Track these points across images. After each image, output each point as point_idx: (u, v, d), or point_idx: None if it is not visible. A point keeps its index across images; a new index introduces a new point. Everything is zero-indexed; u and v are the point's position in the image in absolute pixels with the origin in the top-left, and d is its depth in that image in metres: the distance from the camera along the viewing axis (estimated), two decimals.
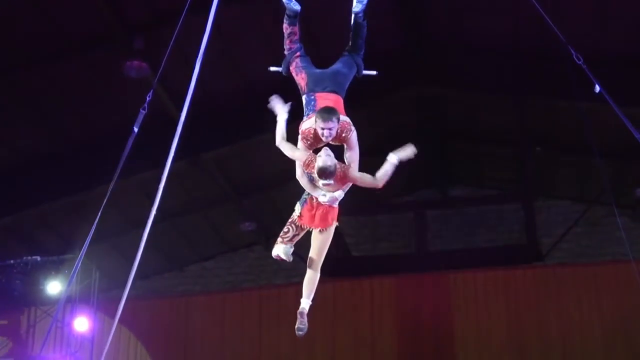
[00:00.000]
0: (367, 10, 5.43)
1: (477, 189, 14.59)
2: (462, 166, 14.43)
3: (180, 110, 5.15)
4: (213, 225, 14.20)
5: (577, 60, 5.52)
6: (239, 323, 12.87)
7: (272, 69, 5.66)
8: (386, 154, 5.20)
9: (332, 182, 5.06)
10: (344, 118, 5.16)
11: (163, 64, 5.61)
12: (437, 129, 13.14)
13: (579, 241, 13.90)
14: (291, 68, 5.48)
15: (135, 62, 9.67)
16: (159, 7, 9.57)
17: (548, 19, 5.57)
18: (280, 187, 12.82)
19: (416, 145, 5.20)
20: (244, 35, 10.19)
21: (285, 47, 5.51)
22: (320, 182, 5.08)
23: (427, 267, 13.04)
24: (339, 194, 5.19)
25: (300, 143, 5.23)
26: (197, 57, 5.14)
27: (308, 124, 5.18)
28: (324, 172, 5.01)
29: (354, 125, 5.20)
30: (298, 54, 5.46)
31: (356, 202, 13.93)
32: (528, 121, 12.19)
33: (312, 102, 5.24)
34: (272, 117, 5.49)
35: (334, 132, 5.05)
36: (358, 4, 5.41)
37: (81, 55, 10.01)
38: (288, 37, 5.49)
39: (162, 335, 12.94)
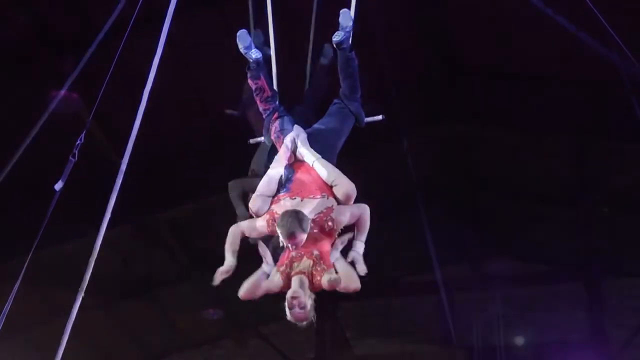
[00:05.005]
0: (353, 40, 5.54)
1: (522, 262, 14.59)
2: (502, 232, 14.45)
3: (122, 156, 5.20)
4: (166, 313, 14.12)
5: None
6: None
7: (252, 141, 5.81)
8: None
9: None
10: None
11: (100, 95, 5.66)
12: (468, 180, 13.19)
13: None
14: (272, 136, 5.62)
15: (63, 93, 9.72)
16: (95, 20, 9.66)
17: (618, 39, 5.65)
18: (255, 260, 12.79)
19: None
20: (205, 55, 10.26)
21: (260, 109, 5.67)
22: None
23: None
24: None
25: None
26: (144, 84, 5.21)
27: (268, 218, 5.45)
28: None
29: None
30: (276, 115, 5.61)
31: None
32: (590, 171, 12.27)
33: (289, 181, 5.39)
34: (244, 164, 5.55)
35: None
36: (340, 32, 5.55)
37: None
38: (257, 95, 5.63)
39: None
